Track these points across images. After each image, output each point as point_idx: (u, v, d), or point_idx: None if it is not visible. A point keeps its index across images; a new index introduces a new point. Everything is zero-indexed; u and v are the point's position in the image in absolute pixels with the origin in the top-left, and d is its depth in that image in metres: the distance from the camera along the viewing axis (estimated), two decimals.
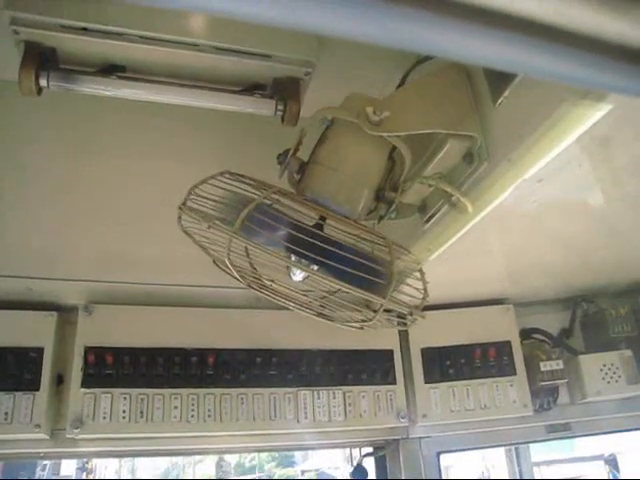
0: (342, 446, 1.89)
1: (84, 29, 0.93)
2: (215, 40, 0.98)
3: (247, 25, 0.92)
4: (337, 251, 0.80)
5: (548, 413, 1.69)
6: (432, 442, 1.65)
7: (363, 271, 0.80)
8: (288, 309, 0.89)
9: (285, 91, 1.05)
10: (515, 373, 1.64)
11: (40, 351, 1.39)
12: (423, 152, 0.95)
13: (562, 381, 1.65)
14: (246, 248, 0.88)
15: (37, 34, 0.92)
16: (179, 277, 1.45)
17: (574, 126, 0.73)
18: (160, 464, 11.12)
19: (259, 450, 2.53)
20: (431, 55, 0.87)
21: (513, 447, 2.65)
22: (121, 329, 1.46)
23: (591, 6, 0.36)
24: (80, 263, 1.39)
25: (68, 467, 8.87)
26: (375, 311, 0.84)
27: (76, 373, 1.40)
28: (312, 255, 0.79)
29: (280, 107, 1.04)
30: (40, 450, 1.42)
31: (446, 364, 1.63)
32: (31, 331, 1.40)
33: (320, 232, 0.84)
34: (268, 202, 0.84)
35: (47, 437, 1.38)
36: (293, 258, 0.82)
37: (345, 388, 1.56)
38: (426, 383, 1.61)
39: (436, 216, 1.02)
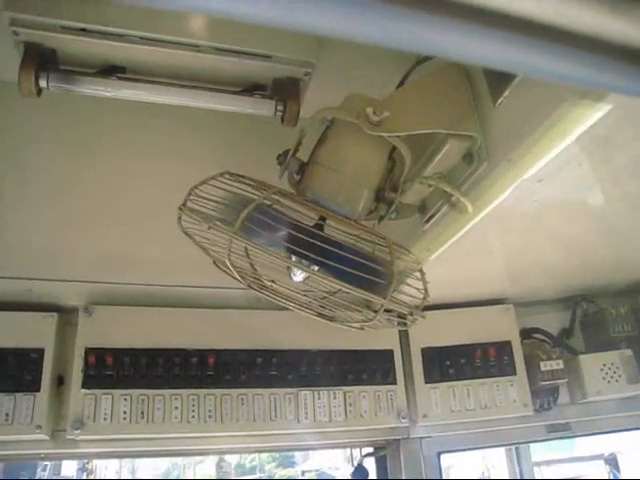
0: (343, 446, 1.89)
1: (84, 30, 0.93)
2: (215, 41, 0.98)
3: (247, 26, 0.92)
4: (337, 251, 0.80)
5: (548, 413, 1.69)
6: (433, 442, 1.65)
7: (363, 271, 0.80)
8: (288, 309, 0.89)
9: (285, 91, 1.05)
10: (515, 373, 1.64)
11: (40, 352, 1.39)
12: (423, 152, 0.96)
13: (562, 381, 1.65)
14: (246, 249, 0.88)
15: (37, 35, 0.92)
16: (179, 278, 1.45)
17: (574, 126, 0.73)
18: (160, 464, 11.10)
19: (259, 450, 2.53)
20: (430, 55, 0.87)
21: (513, 447, 2.65)
22: (121, 330, 1.46)
23: (590, 6, 0.36)
24: (80, 264, 1.39)
25: (69, 468, 8.86)
26: (375, 311, 0.84)
27: (76, 374, 1.40)
28: (312, 255, 0.79)
29: (280, 107, 1.05)
30: (41, 451, 1.42)
31: (446, 364, 1.63)
32: (31, 332, 1.40)
33: (320, 232, 0.84)
34: (268, 203, 0.84)
35: (48, 438, 1.38)
36: (293, 258, 0.82)
37: (345, 388, 1.56)
38: (426, 383, 1.61)
39: (436, 216, 1.02)
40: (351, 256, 0.81)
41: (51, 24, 0.91)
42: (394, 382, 1.60)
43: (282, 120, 1.06)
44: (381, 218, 0.93)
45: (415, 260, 1.00)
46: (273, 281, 0.90)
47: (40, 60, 0.93)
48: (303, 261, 0.81)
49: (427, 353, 1.64)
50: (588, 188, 1.10)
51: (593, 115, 0.71)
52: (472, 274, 1.54)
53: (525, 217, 1.17)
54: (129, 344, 1.44)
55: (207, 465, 11.13)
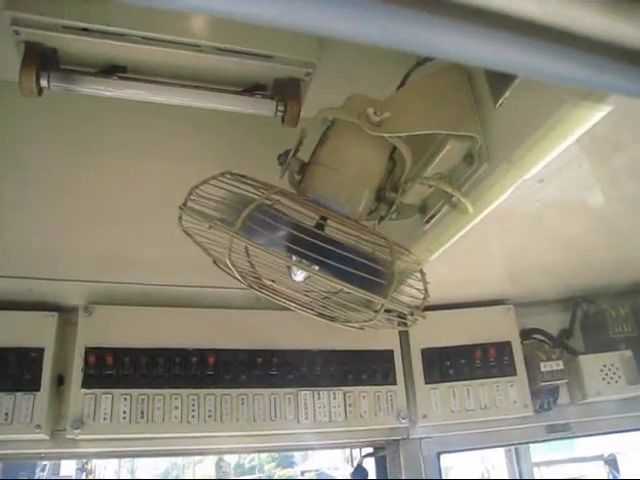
0: (342, 446, 1.90)
1: (85, 29, 0.93)
2: (216, 41, 0.98)
3: (248, 26, 0.93)
4: (338, 251, 0.80)
5: (548, 413, 1.69)
6: (432, 442, 1.65)
7: (364, 271, 0.80)
8: (289, 309, 0.89)
9: (286, 92, 1.05)
10: (515, 373, 1.64)
11: (40, 351, 1.39)
12: (423, 153, 0.96)
13: (562, 381, 1.65)
14: (247, 248, 0.88)
15: (38, 34, 0.92)
16: (179, 277, 1.45)
17: (574, 127, 0.73)
18: (160, 464, 11.11)
19: (259, 450, 2.53)
20: (431, 56, 0.87)
21: (513, 447, 2.65)
22: (121, 329, 1.46)
23: (591, 7, 0.36)
24: (80, 263, 1.39)
25: (68, 467, 8.87)
26: (376, 311, 0.84)
27: (76, 373, 1.40)
28: (313, 255, 0.79)
29: (281, 108, 1.05)
30: (40, 450, 1.42)
31: (446, 364, 1.63)
32: (32, 331, 1.40)
33: (321, 232, 0.84)
34: (269, 202, 0.84)
35: (47, 437, 1.38)
36: (294, 258, 0.82)
37: (345, 388, 1.56)
38: (426, 383, 1.61)
39: (436, 217, 1.02)
40: (352, 256, 0.81)
41: (52, 24, 0.91)
42: (394, 382, 1.60)
43: (283, 120, 1.06)
44: (382, 218, 0.93)
45: (415, 260, 1.00)
46: (273, 281, 0.90)
47: (41, 59, 0.93)
48: (304, 261, 0.81)
49: (427, 353, 1.64)
50: (588, 189, 1.10)
51: (594, 116, 0.71)
52: (472, 274, 1.54)
53: (525, 217, 1.17)
54: (129, 344, 1.45)
55: (206, 465, 11.13)
